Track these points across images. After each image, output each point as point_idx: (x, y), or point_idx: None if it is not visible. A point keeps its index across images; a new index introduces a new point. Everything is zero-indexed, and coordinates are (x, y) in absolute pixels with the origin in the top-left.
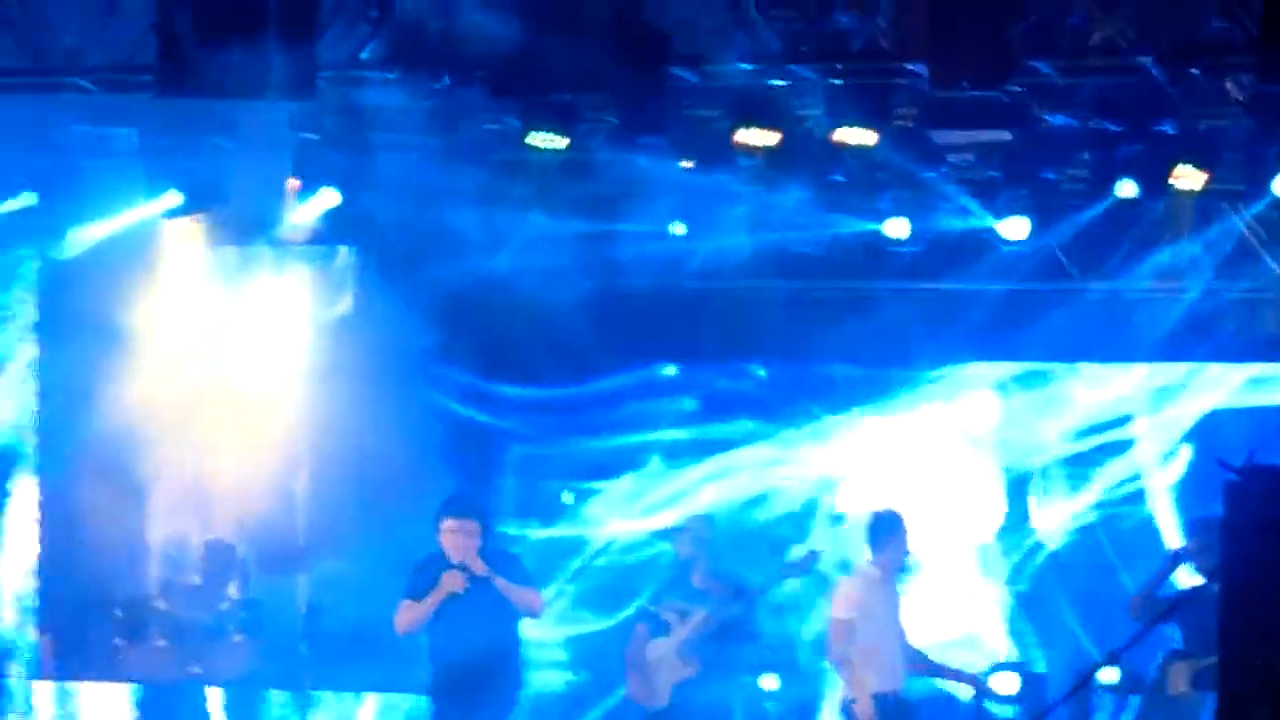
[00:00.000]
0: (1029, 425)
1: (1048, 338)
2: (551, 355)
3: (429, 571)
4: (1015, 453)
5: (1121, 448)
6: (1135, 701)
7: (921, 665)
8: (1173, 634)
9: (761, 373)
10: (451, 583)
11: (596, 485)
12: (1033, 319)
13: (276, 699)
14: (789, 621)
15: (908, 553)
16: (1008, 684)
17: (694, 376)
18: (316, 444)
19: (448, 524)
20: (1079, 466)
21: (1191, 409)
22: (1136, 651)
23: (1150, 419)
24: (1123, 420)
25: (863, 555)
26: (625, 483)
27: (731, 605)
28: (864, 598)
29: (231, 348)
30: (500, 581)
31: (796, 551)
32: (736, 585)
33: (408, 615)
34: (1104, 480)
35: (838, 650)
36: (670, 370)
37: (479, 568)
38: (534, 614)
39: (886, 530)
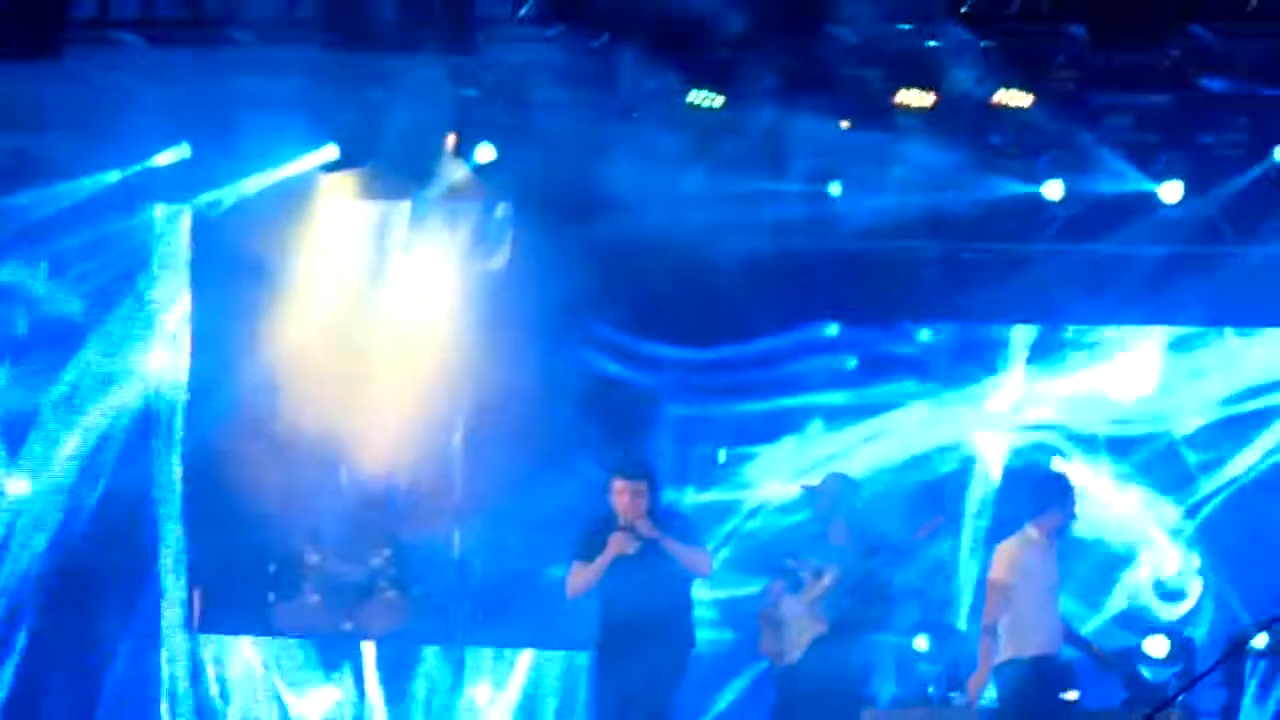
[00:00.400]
0: (1187, 388)
1: (1203, 301)
2: (709, 315)
3: (599, 533)
4: (1173, 416)
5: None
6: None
7: (1071, 638)
8: None
9: (926, 335)
10: (618, 544)
11: (754, 450)
12: (1188, 282)
13: (430, 654)
14: (942, 582)
15: (1073, 516)
16: (1159, 648)
17: (855, 336)
18: (470, 399)
19: (617, 485)
20: (1235, 430)
21: None
22: None
23: None
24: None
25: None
26: (784, 446)
27: (865, 563)
28: (1024, 561)
29: (386, 302)
30: (668, 542)
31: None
32: (871, 544)
33: (578, 577)
34: (1261, 444)
35: (994, 613)
36: (831, 330)
37: (646, 529)
38: (701, 574)
39: (1050, 493)
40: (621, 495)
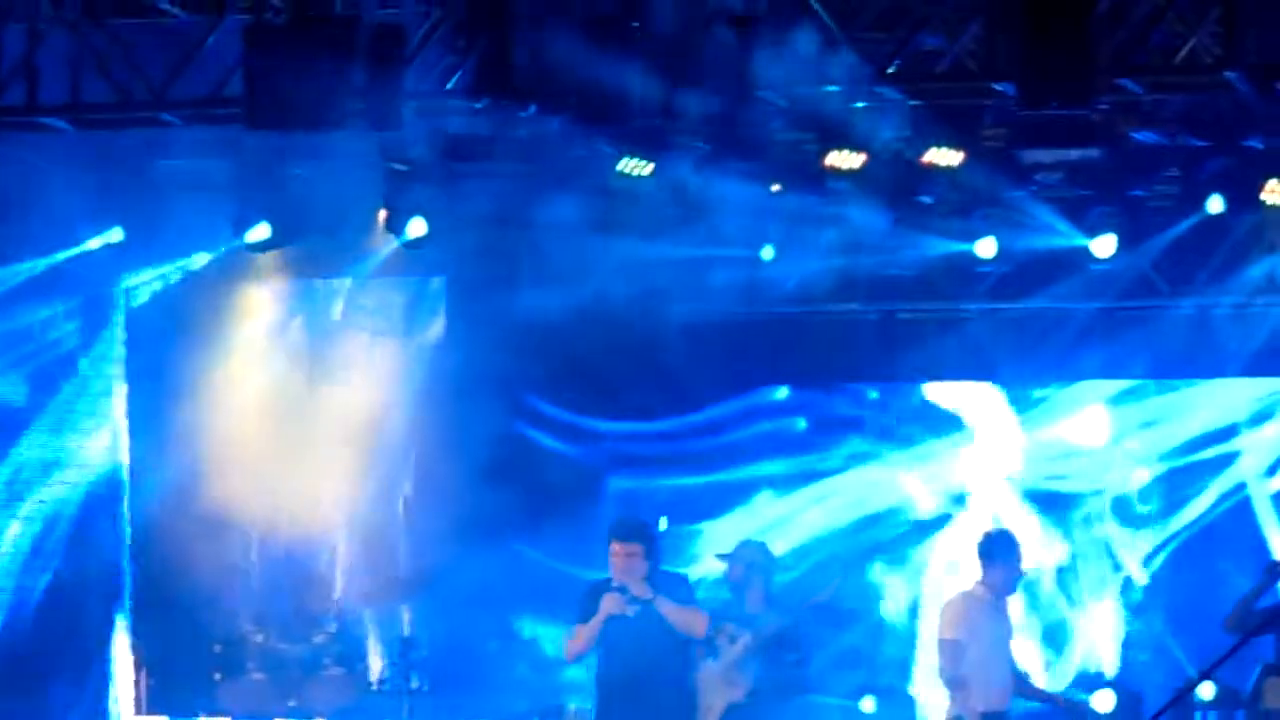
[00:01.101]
0: (1135, 441)
1: (1139, 355)
2: (648, 386)
3: (598, 596)
4: (1113, 471)
5: (1224, 462)
6: (1231, 716)
7: (1025, 689)
8: (1269, 648)
9: (873, 395)
10: (610, 605)
11: (699, 526)
12: (1124, 336)
13: None
14: (888, 644)
15: (1018, 573)
16: (1105, 702)
17: (803, 399)
18: (409, 475)
19: (613, 547)
20: (1181, 482)
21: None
22: (1233, 667)
23: (1252, 433)
24: (1225, 435)
25: (973, 576)
26: (732, 518)
27: (779, 625)
28: (972, 618)
29: (322, 378)
30: (661, 603)
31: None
32: (786, 608)
33: (575, 640)
34: (1206, 497)
35: (947, 671)
36: (780, 394)
37: (639, 590)
38: (695, 635)
39: (998, 550)
40: (617, 557)
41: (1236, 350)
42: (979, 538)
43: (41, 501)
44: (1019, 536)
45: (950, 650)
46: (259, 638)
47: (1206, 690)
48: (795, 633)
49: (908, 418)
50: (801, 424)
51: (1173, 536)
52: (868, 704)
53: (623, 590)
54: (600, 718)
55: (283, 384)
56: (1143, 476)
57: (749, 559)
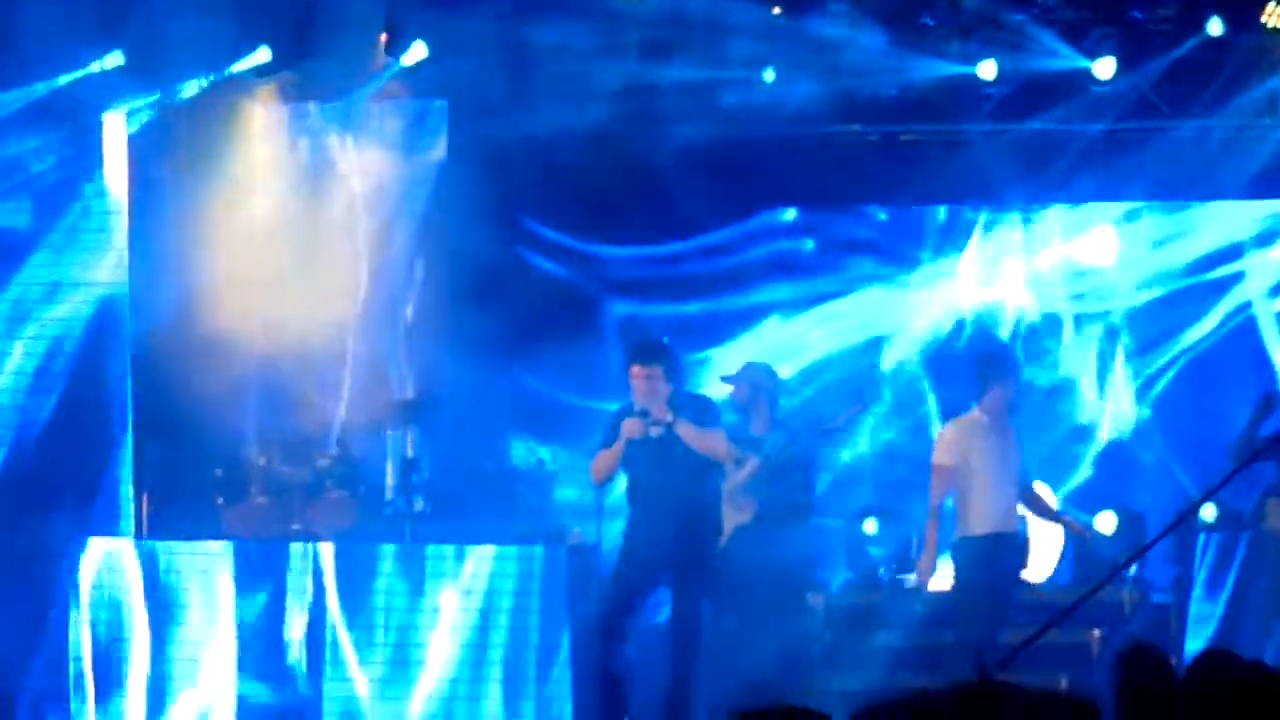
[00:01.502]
0: (1144, 261)
1: (1140, 177)
2: (651, 210)
3: (620, 420)
4: (1130, 289)
5: (1229, 283)
6: (1233, 538)
7: (1035, 507)
8: (1271, 472)
9: (882, 216)
10: (630, 429)
11: (706, 354)
12: (1124, 158)
13: (386, 553)
14: (893, 466)
15: (1017, 391)
16: (1107, 523)
17: (808, 222)
18: (412, 299)
19: (633, 370)
20: (1188, 302)
21: None
22: (1236, 490)
23: (1258, 254)
24: (1230, 255)
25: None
26: (739, 345)
27: (788, 448)
28: (965, 443)
29: (323, 203)
30: (681, 425)
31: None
32: (792, 431)
33: (598, 464)
34: (1213, 317)
35: (936, 496)
36: (787, 215)
37: (660, 412)
38: (718, 458)
39: (992, 368)
40: (637, 380)
41: (1237, 173)
42: (975, 359)
43: (46, 324)
44: (1011, 355)
45: (940, 475)
46: (261, 461)
47: (1209, 512)
48: (802, 456)
49: (916, 239)
50: (809, 245)
51: (1176, 358)
52: (870, 525)
53: (644, 414)
54: (628, 540)
55: (283, 208)
56: (1150, 295)
57: (754, 380)
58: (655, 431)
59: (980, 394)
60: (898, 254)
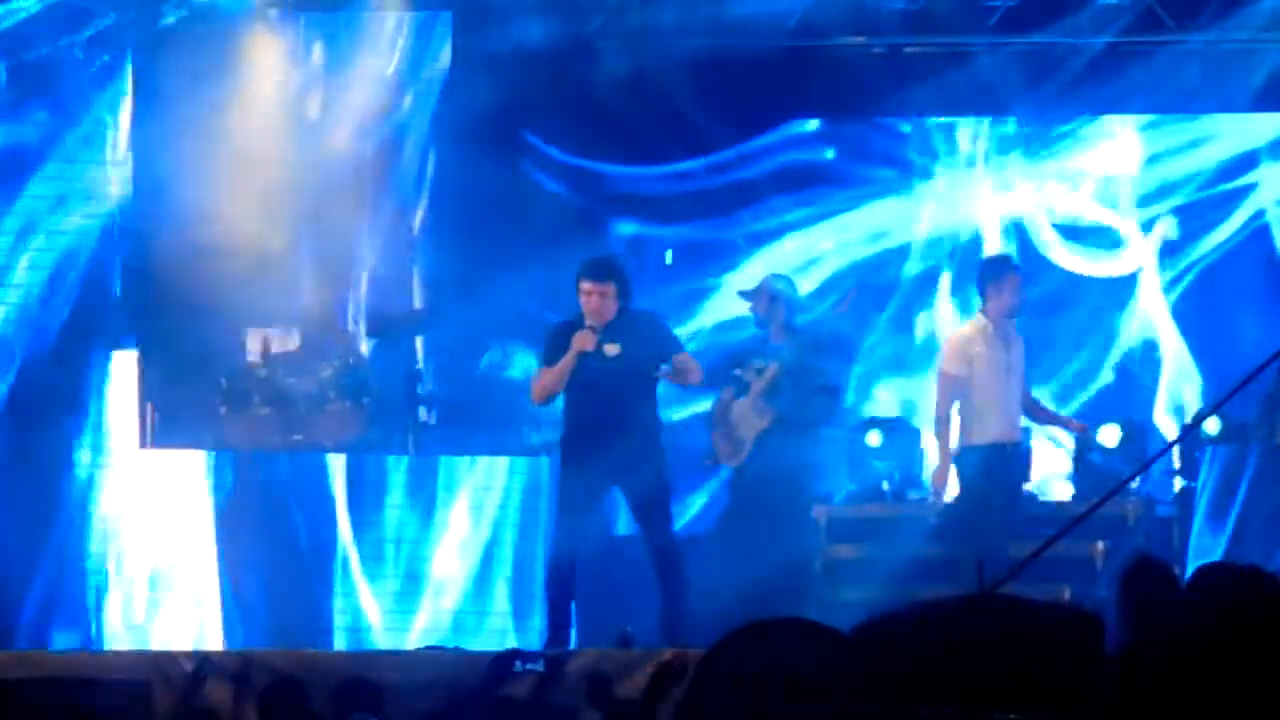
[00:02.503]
0: (1164, 171)
1: (1147, 90)
2: (656, 125)
3: (564, 336)
4: (1149, 200)
5: (1243, 193)
6: (1241, 452)
7: (1038, 414)
8: (1272, 385)
9: (905, 128)
10: (581, 342)
11: (720, 280)
12: (1131, 71)
13: (393, 465)
14: (897, 377)
15: (1016, 297)
16: (1110, 436)
17: (821, 136)
18: (418, 210)
19: (583, 285)
20: (1202, 213)
21: None
22: (1241, 404)
23: (1272, 165)
24: (1245, 166)
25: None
26: (752, 265)
27: (808, 357)
28: (970, 350)
29: (328, 114)
30: (680, 360)
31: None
32: (813, 340)
33: (542, 381)
34: (1224, 229)
35: (942, 405)
36: (806, 127)
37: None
38: (692, 382)
39: (993, 275)
40: (589, 296)
41: (1243, 86)
42: (979, 267)
43: (54, 236)
44: (1012, 261)
45: (946, 383)
46: (263, 372)
47: (1212, 425)
48: (818, 357)
49: (931, 151)
50: (830, 154)
51: (1190, 266)
52: (873, 438)
53: (595, 329)
54: (565, 457)
55: (289, 121)
56: (1166, 206)
57: (772, 292)
58: (612, 350)
59: (984, 299)
60: (914, 166)
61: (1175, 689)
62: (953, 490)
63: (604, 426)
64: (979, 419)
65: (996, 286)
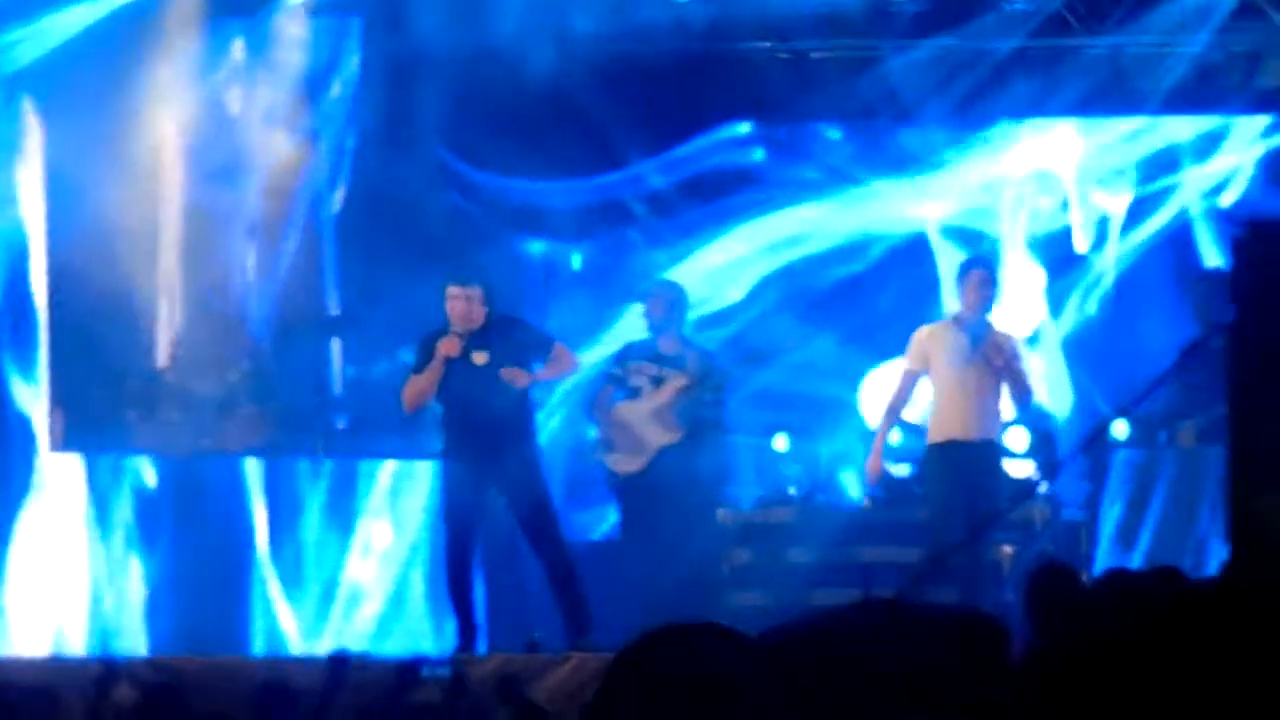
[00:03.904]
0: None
1: (1057, 93)
2: (567, 138)
3: (434, 343)
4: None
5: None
6: (1154, 455)
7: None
8: (1178, 389)
9: (834, 134)
10: (447, 347)
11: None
12: (1040, 75)
13: (310, 471)
14: (809, 382)
15: (980, 294)
16: (1018, 440)
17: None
18: (333, 218)
19: (450, 290)
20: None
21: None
22: (1149, 407)
23: (1195, 167)
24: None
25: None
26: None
27: (713, 366)
28: (927, 347)
29: (238, 119)
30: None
31: None
32: (705, 351)
33: (412, 388)
34: (1135, 235)
35: (893, 398)
36: (738, 130)
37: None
38: (566, 374)
39: (960, 273)
40: (455, 301)
41: (1151, 89)
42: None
43: None
44: (980, 263)
45: (902, 378)
46: (172, 376)
47: (1121, 429)
48: (715, 373)
49: (866, 156)
50: (759, 154)
51: (1107, 268)
52: (780, 442)
53: (462, 335)
54: (445, 467)
55: (198, 125)
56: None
57: (671, 296)
58: (480, 359)
59: (958, 298)
60: (844, 173)
61: (1080, 693)
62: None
63: (479, 434)
64: (935, 416)
65: (961, 284)
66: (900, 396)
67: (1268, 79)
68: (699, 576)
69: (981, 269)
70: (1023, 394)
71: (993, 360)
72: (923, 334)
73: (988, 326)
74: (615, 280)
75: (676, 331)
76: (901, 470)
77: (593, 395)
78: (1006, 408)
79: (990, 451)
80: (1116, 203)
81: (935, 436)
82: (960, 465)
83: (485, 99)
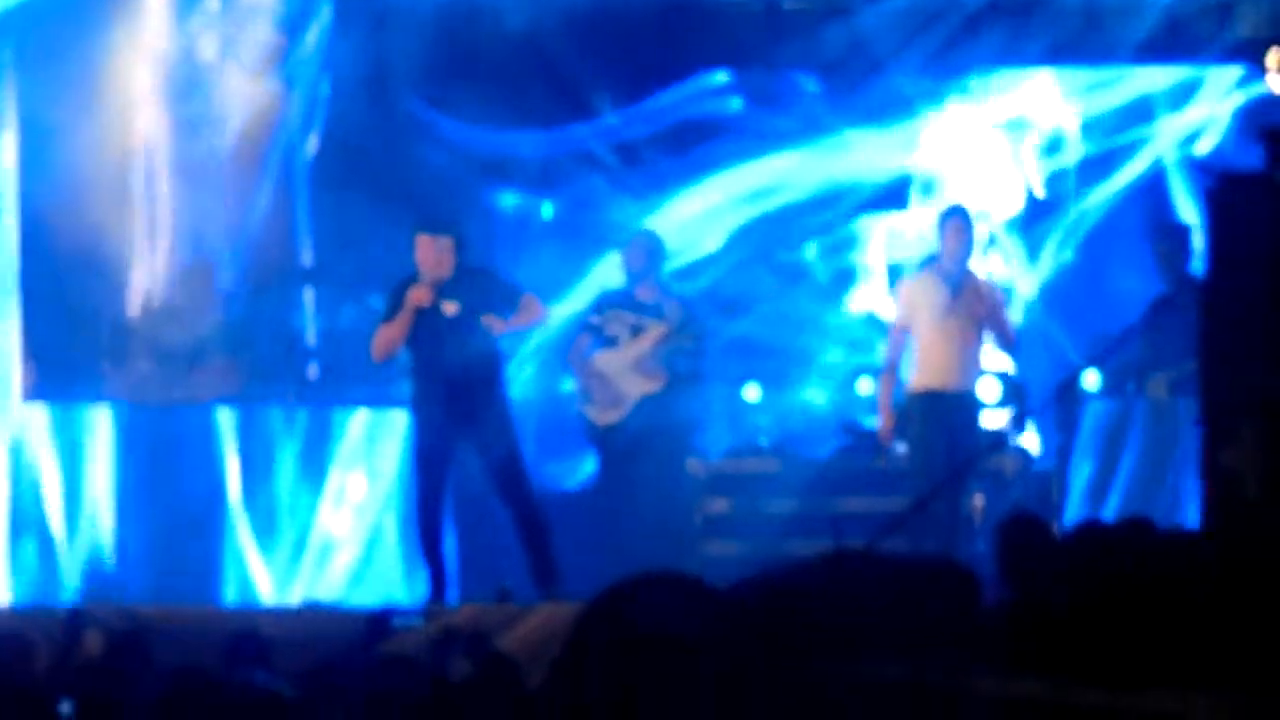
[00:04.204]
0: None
1: (1030, 42)
2: (547, 88)
3: (404, 292)
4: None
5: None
6: (1125, 406)
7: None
8: (1150, 341)
9: (811, 84)
10: (417, 296)
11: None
12: (1011, 25)
13: (284, 420)
14: (788, 333)
15: (957, 242)
16: (989, 391)
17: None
18: (306, 168)
19: (421, 239)
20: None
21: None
22: (1121, 359)
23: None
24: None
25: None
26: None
27: (691, 316)
28: (911, 298)
29: (212, 74)
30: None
31: None
32: (684, 300)
33: (381, 337)
34: (1109, 184)
35: (888, 353)
36: (712, 80)
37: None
38: (537, 323)
39: (939, 223)
40: (426, 251)
41: (1125, 38)
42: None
43: None
44: (958, 211)
45: (892, 333)
46: (144, 326)
47: (1092, 380)
48: (694, 321)
49: (839, 107)
50: (735, 103)
51: (1082, 218)
52: (752, 393)
53: (433, 285)
54: (416, 416)
55: (174, 81)
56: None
57: (649, 245)
58: (450, 309)
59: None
60: (819, 122)
61: (1052, 641)
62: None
63: (448, 384)
64: (917, 366)
65: (940, 233)
66: (893, 351)
67: (1241, 29)
68: (672, 526)
69: (959, 218)
70: (1007, 340)
71: (975, 308)
72: (904, 287)
73: (968, 274)
74: (588, 231)
75: (655, 280)
76: (874, 421)
77: (569, 345)
78: (986, 357)
79: (971, 401)
80: (1090, 152)
81: (918, 386)
82: (942, 415)
83: (459, 48)
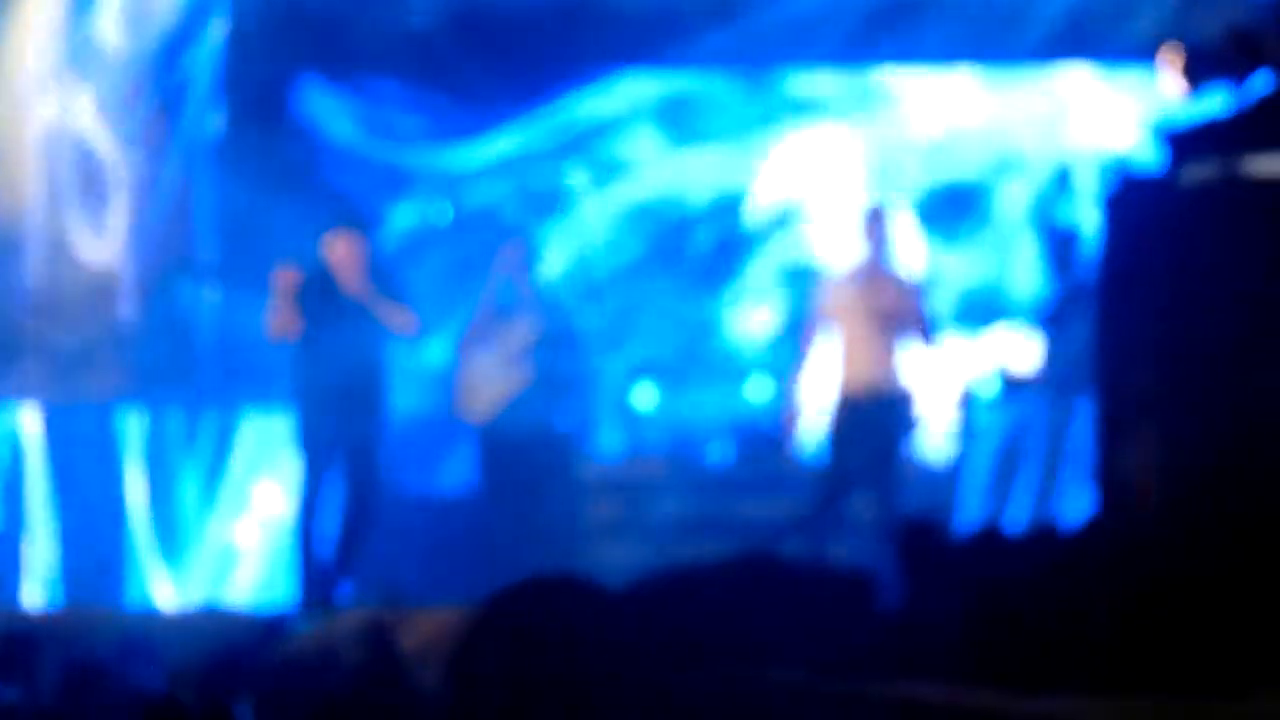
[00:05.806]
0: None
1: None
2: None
3: (304, 287)
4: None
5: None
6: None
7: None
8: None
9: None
10: (285, 281)
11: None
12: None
13: (175, 421)
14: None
15: (874, 240)
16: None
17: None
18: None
19: (328, 236)
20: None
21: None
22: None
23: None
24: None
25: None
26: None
27: (561, 313)
28: (831, 297)
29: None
30: (381, 305)
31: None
32: (557, 303)
33: (270, 323)
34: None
35: (801, 353)
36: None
37: (356, 284)
38: (407, 334)
39: (863, 225)
40: (334, 246)
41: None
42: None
43: None
44: (879, 210)
45: (807, 334)
46: (31, 323)
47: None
48: (569, 323)
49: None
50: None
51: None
52: (643, 395)
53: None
54: (298, 402)
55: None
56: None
57: (526, 249)
58: (293, 281)
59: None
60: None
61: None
62: (810, 437)
63: (330, 381)
64: (839, 369)
65: (861, 230)
66: (810, 351)
67: (1146, 28)
68: (560, 530)
69: (879, 216)
70: (927, 335)
71: (896, 305)
72: (825, 284)
73: (886, 271)
74: (475, 234)
75: (531, 283)
76: (774, 423)
77: (452, 345)
78: (907, 355)
79: (888, 402)
80: (1005, 149)
81: (836, 386)
82: (859, 419)
83: (375, 28)
